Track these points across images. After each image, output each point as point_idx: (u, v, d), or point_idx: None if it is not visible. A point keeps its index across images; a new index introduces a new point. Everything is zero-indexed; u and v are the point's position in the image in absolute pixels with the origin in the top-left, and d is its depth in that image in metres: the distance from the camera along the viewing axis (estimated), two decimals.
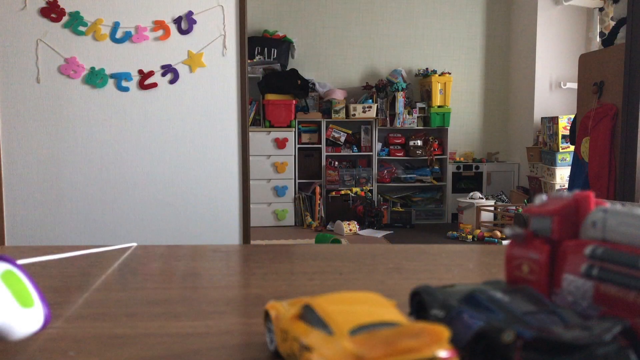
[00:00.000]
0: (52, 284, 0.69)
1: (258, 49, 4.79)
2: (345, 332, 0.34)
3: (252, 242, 3.00)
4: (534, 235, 0.47)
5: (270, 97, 4.72)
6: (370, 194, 4.89)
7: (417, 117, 4.99)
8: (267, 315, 0.46)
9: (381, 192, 5.07)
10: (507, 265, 0.50)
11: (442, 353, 0.31)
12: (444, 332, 0.31)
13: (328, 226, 4.71)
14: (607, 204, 0.45)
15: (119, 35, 2.57)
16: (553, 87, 4.74)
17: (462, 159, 5.19)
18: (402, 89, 4.91)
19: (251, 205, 2.81)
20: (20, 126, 2.55)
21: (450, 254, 0.84)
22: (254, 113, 4.84)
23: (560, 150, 4.16)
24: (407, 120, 4.96)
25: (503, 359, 0.36)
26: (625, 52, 2.34)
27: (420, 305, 0.47)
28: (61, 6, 2.52)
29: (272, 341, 0.44)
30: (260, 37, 4.86)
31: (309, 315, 0.39)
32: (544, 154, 4.38)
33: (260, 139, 4.66)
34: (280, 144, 4.71)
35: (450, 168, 5.06)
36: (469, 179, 5.07)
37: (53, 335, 0.50)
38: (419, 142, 5.04)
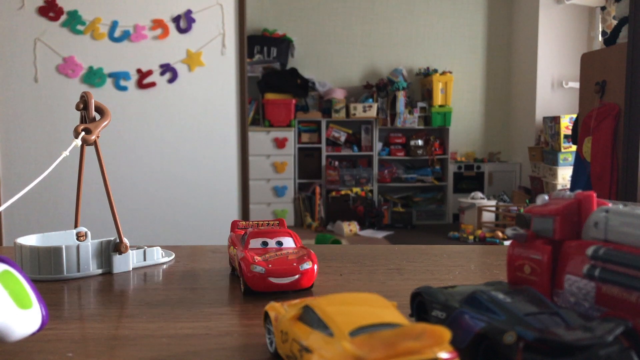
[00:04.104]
0: (50, 284, 0.68)
1: (257, 47, 4.78)
2: (346, 334, 0.33)
3: None
4: (536, 236, 0.47)
5: (269, 96, 4.71)
6: (370, 194, 4.88)
7: (418, 116, 4.98)
8: (266, 316, 0.45)
9: (382, 192, 5.07)
10: (509, 265, 0.49)
11: (444, 354, 0.30)
12: (446, 333, 0.30)
13: (328, 226, 4.70)
14: (610, 204, 0.44)
15: (117, 34, 2.57)
16: (555, 87, 4.73)
17: (463, 158, 5.18)
18: (403, 88, 4.90)
19: (251, 206, 2.80)
20: (19, 125, 2.54)
21: (451, 255, 0.84)
22: (254, 112, 4.83)
23: (562, 150, 4.15)
24: (408, 119, 4.95)
25: None
26: (628, 51, 2.33)
27: (421, 306, 0.47)
28: (59, 5, 2.51)
29: (272, 342, 0.44)
30: (260, 36, 4.85)
31: (308, 317, 0.38)
32: (546, 153, 4.38)
33: (260, 139, 4.65)
34: (280, 143, 4.71)
35: (452, 168, 5.05)
36: (470, 179, 5.06)
37: (51, 336, 0.50)
38: (420, 142, 5.03)
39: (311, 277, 0.61)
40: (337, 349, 0.33)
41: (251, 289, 0.60)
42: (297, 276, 0.59)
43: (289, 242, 0.67)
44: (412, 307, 0.49)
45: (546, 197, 0.48)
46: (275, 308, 0.44)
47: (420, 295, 0.47)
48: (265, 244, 0.66)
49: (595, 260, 0.42)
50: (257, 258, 0.61)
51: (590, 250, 0.42)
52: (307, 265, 0.60)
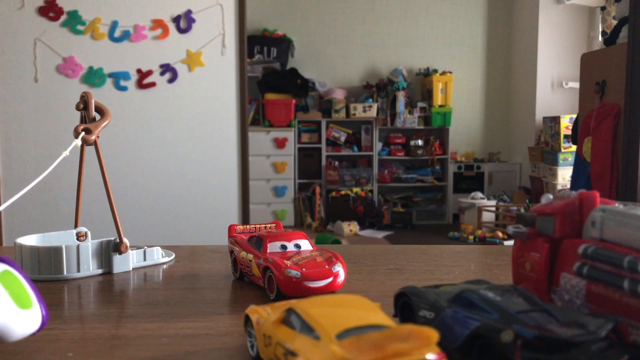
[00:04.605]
0: (50, 284, 0.68)
1: (257, 47, 4.78)
2: (332, 337, 0.33)
3: None
4: (538, 234, 0.48)
5: (269, 96, 4.71)
6: (370, 194, 4.88)
7: (418, 116, 4.98)
8: (247, 319, 0.44)
9: (382, 192, 5.07)
10: (514, 262, 0.50)
11: (431, 356, 0.30)
12: (433, 334, 0.30)
13: (328, 227, 4.70)
14: (616, 204, 0.45)
15: (117, 34, 2.56)
16: (555, 87, 4.73)
17: (463, 158, 5.18)
18: (403, 88, 4.90)
19: (250, 206, 2.80)
20: (19, 126, 2.54)
21: (451, 255, 0.84)
22: (254, 112, 4.83)
23: (562, 150, 4.14)
24: (408, 119, 4.95)
25: (502, 358, 0.35)
26: (628, 52, 2.33)
27: (406, 306, 0.47)
28: (59, 5, 2.51)
29: (254, 346, 0.43)
30: (260, 36, 4.85)
31: (292, 320, 0.38)
32: (546, 153, 4.37)
33: (260, 139, 4.65)
34: (280, 143, 4.71)
35: (452, 168, 5.05)
36: (470, 179, 5.06)
37: (51, 336, 0.50)
38: (420, 142, 5.03)
39: (342, 279, 0.61)
40: (324, 352, 0.32)
41: (284, 294, 0.58)
42: (330, 279, 0.59)
43: (306, 245, 0.65)
44: (395, 308, 0.48)
45: (551, 197, 0.49)
46: (257, 311, 0.43)
47: (405, 296, 0.47)
48: (284, 247, 0.64)
49: (585, 258, 0.43)
50: (288, 262, 0.59)
51: (581, 249, 0.43)
52: (338, 267, 0.60)
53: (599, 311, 0.41)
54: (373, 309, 0.38)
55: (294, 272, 0.57)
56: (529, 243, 0.48)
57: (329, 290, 0.59)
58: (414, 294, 0.46)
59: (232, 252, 0.69)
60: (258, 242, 0.65)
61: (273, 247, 0.64)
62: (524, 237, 0.48)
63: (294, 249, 0.64)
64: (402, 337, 0.30)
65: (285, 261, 0.59)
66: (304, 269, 0.58)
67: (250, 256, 0.64)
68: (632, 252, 0.40)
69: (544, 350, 0.35)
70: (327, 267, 0.60)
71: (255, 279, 0.63)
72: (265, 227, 0.73)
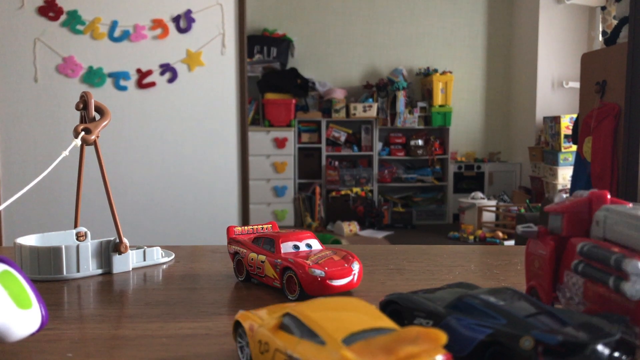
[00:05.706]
0: (50, 284, 0.68)
1: (257, 47, 4.78)
2: (339, 341, 0.32)
3: None
4: (549, 232, 0.48)
5: (269, 96, 4.71)
6: (370, 194, 4.88)
7: (418, 116, 4.98)
8: (238, 325, 0.43)
9: (382, 192, 5.06)
10: (526, 260, 0.51)
11: (440, 357, 0.30)
12: (441, 336, 0.30)
13: (328, 227, 4.70)
14: (630, 205, 0.45)
15: (117, 34, 2.56)
16: (555, 87, 4.73)
17: (463, 158, 5.17)
18: (403, 88, 4.90)
19: (250, 206, 2.80)
20: (19, 126, 2.54)
21: (451, 255, 0.84)
22: (253, 112, 4.83)
23: (563, 150, 4.14)
24: (408, 119, 4.95)
25: None
26: (628, 51, 2.33)
27: (395, 314, 0.45)
28: (59, 5, 2.51)
29: (245, 352, 0.42)
30: (260, 36, 4.85)
31: (291, 325, 0.36)
32: (546, 153, 4.37)
33: (260, 139, 4.65)
34: (280, 143, 4.70)
35: (452, 168, 5.05)
36: (471, 179, 5.06)
37: (51, 336, 0.50)
38: (420, 142, 5.03)
39: (360, 276, 0.61)
40: (333, 357, 0.31)
41: (307, 294, 0.58)
42: (351, 277, 0.59)
43: (316, 244, 0.66)
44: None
45: (564, 196, 0.50)
46: (248, 317, 0.42)
47: (395, 304, 0.45)
48: (296, 247, 0.64)
49: (581, 256, 0.43)
50: (308, 261, 0.59)
51: (579, 247, 0.44)
52: (356, 265, 0.61)
53: (593, 309, 0.41)
54: (372, 311, 0.37)
55: (319, 272, 0.58)
56: (538, 241, 0.49)
57: (349, 288, 0.60)
58: (407, 301, 0.44)
59: (236, 253, 0.68)
60: (268, 242, 0.64)
61: (286, 247, 0.63)
62: (534, 235, 0.49)
63: (305, 248, 0.64)
64: (411, 340, 0.30)
65: (306, 260, 0.59)
66: (326, 268, 0.59)
67: (263, 257, 0.63)
68: (622, 250, 0.40)
69: (563, 355, 0.34)
70: (346, 265, 0.60)
71: (269, 280, 0.63)
72: (262, 227, 0.73)
